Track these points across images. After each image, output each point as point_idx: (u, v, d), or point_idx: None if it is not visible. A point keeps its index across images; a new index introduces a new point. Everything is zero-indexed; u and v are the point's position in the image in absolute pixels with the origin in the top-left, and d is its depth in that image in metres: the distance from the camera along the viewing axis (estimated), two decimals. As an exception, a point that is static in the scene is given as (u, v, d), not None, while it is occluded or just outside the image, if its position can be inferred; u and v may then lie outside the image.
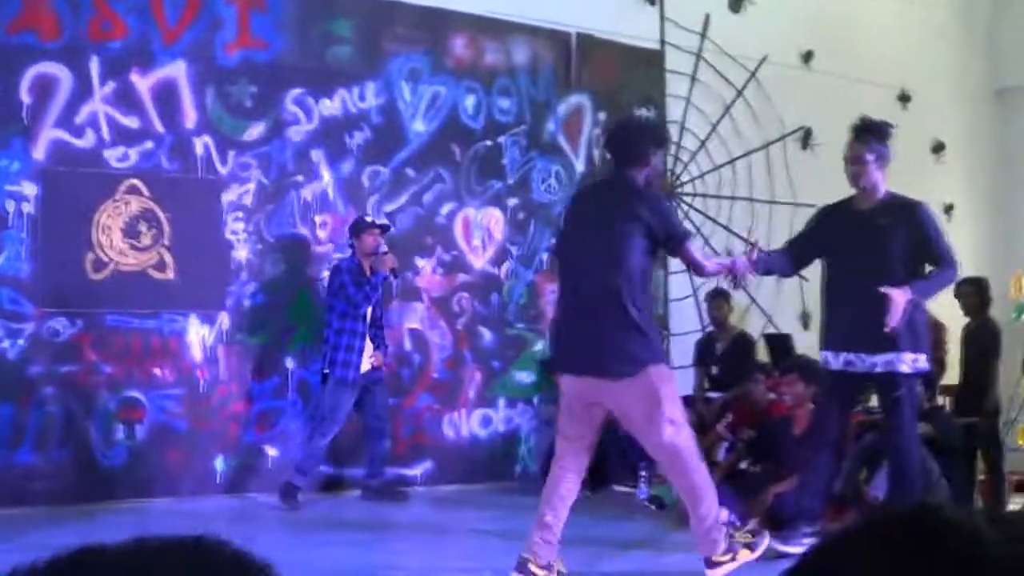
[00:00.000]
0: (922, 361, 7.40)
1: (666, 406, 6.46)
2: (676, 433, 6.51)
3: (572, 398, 6.76)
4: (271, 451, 10.04)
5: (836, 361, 7.58)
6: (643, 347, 6.48)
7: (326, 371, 9.58)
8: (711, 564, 6.71)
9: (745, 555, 6.77)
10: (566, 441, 6.85)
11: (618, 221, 6.48)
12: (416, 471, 10.70)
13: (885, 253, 7.37)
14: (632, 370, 6.44)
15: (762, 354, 11.64)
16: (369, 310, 9.63)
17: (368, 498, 9.81)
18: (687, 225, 11.88)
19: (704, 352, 11.81)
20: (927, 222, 7.45)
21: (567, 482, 6.81)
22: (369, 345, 9.62)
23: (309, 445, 9.66)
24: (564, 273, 6.97)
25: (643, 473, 9.89)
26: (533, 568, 6.56)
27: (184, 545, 1.05)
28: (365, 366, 9.60)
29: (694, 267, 7.03)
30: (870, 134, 7.54)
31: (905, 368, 7.33)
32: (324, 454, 9.79)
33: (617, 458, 10.52)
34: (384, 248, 9.61)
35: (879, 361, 7.41)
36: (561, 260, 7.16)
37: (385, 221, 10.03)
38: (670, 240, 6.59)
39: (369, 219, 9.82)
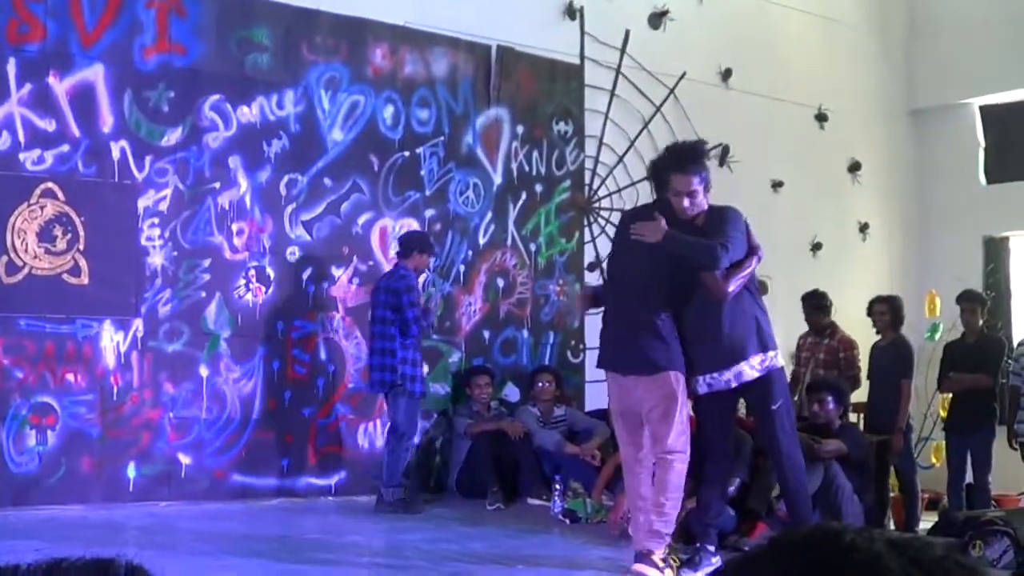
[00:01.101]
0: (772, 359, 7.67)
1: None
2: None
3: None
4: (184, 459, 10.10)
5: (700, 386, 7.77)
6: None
7: (399, 385, 10.03)
8: (642, 557, 7.29)
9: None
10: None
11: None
12: (330, 481, 10.85)
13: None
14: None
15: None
16: None
17: (383, 511, 10.03)
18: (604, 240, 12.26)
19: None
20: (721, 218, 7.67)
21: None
22: None
23: (393, 459, 10.07)
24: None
25: (557, 487, 10.07)
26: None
27: (98, 570, 1.04)
28: None
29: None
30: (692, 163, 7.62)
31: (755, 373, 7.60)
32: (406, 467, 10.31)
33: (531, 471, 10.77)
34: None
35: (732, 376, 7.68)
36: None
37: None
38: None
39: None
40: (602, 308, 8.09)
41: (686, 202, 7.47)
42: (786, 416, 7.76)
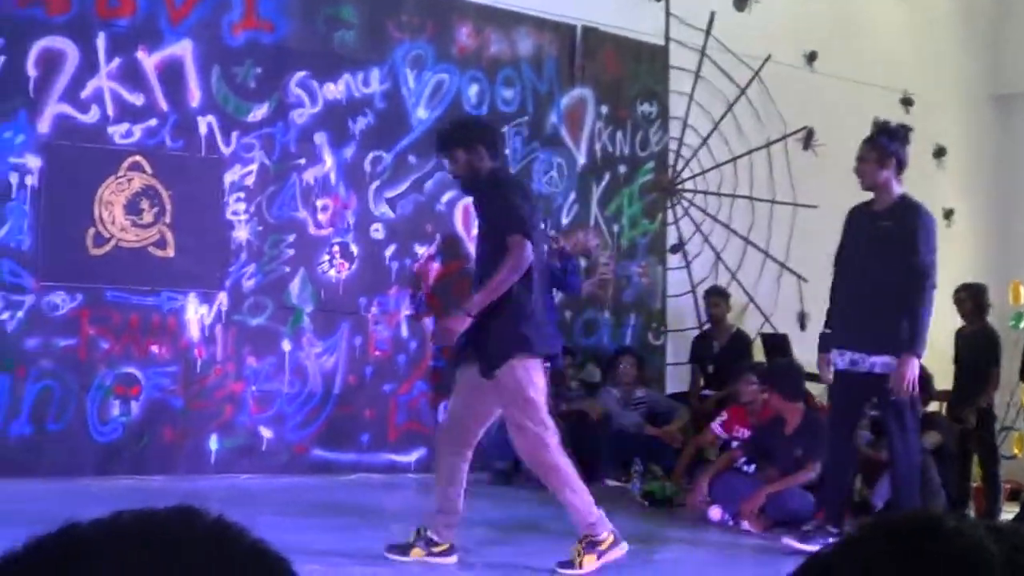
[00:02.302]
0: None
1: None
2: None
3: None
4: (266, 432, 10.02)
5: (840, 361, 7.74)
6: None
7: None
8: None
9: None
10: None
11: None
12: (410, 458, 10.70)
13: (884, 255, 7.53)
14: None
15: (759, 354, 11.70)
16: None
17: (496, 482, 10.13)
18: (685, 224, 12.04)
19: (700, 349, 11.86)
20: (910, 224, 7.59)
21: None
22: None
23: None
24: None
25: (637, 468, 9.89)
26: None
27: (205, 530, 1.02)
28: None
29: None
30: (880, 134, 7.74)
31: (877, 370, 7.56)
32: None
33: (611, 452, 10.57)
34: None
35: (878, 362, 7.57)
36: None
37: None
38: None
39: None
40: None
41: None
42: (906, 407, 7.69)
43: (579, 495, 6.87)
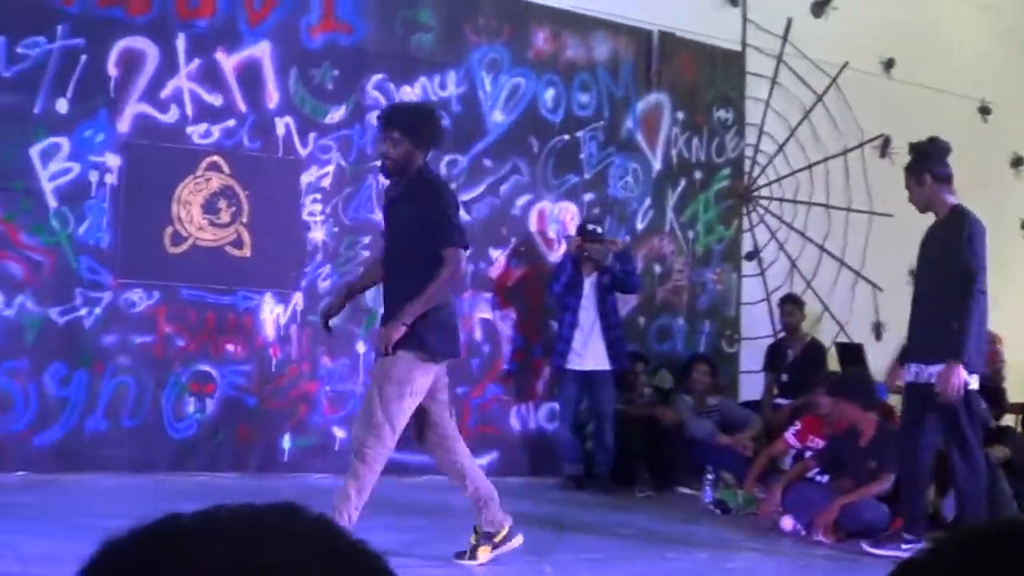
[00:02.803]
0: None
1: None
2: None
3: None
4: (339, 433, 9.92)
5: (908, 373, 7.74)
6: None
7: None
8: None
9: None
10: None
11: None
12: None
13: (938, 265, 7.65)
14: None
15: (833, 363, 11.48)
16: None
17: (566, 487, 10.17)
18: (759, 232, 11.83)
19: (775, 358, 11.66)
20: (957, 234, 7.57)
21: None
22: None
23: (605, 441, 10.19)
24: None
25: (709, 476, 9.70)
26: None
27: (307, 525, 1.00)
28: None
29: None
30: (911, 156, 7.92)
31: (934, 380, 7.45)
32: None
33: (683, 460, 10.39)
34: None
35: (934, 372, 7.49)
36: None
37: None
38: None
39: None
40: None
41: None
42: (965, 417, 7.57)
43: (352, 501, 6.57)
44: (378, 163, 6.94)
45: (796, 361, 11.46)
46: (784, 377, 11.52)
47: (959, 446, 7.49)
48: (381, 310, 9.76)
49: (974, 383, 7.48)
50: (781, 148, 12.25)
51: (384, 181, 7.10)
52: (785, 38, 12.16)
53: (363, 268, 7.03)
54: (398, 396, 6.59)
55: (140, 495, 8.12)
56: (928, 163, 7.76)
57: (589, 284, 10.34)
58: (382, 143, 6.82)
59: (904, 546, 7.39)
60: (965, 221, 7.57)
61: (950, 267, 7.49)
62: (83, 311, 9.08)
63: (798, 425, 9.64)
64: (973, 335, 7.38)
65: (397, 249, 6.83)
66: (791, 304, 11.68)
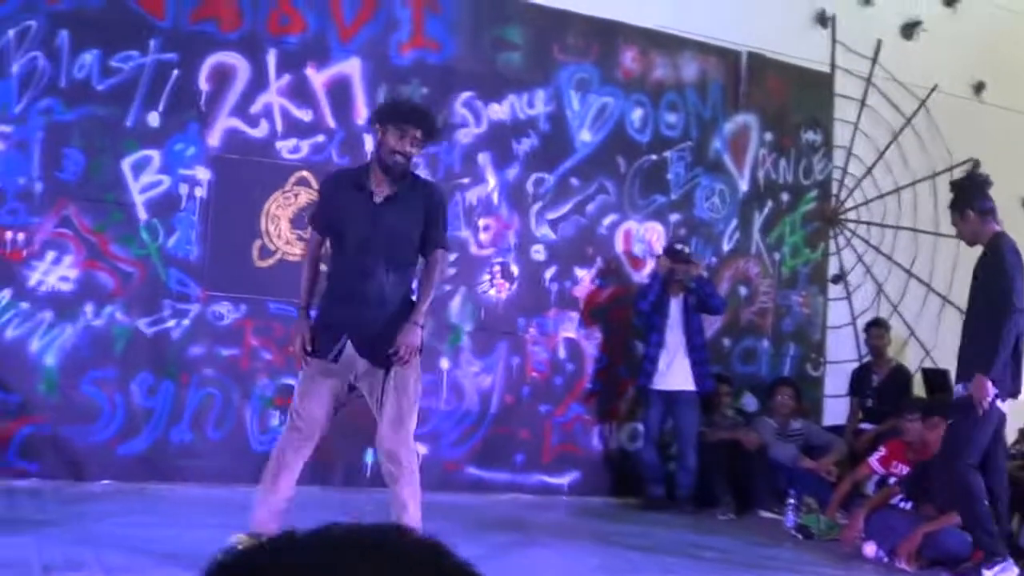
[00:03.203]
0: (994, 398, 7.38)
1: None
2: None
3: None
4: (421, 449, 9.66)
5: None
6: None
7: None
8: None
9: None
10: None
11: None
12: (563, 480, 10.34)
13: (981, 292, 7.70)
14: None
15: (918, 388, 11.14)
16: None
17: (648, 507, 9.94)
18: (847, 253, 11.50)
19: (859, 382, 11.32)
20: (992, 258, 7.61)
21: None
22: None
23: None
24: None
25: (791, 501, 9.39)
26: None
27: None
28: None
29: None
30: (953, 199, 7.95)
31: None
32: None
33: (765, 483, 10.10)
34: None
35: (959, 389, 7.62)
36: None
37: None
38: None
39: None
40: None
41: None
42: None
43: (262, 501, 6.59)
44: (398, 159, 6.27)
45: (881, 386, 11.13)
46: (869, 402, 11.19)
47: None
48: (470, 327, 9.82)
49: (1002, 406, 7.49)
50: (869, 171, 11.92)
51: (380, 178, 6.43)
52: (875, 60, 11.83)
53: (306, 279, 6.64)
54: (416, 403, 6.55)
55: (223, 507, 8.02)
56: (969, 199, 7.75)
57: (675, 305, 10.09)
58: (401, 140, 6.29)
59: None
60: (999, 244, 7.59)
61: (989, 292, 7.49)
62: (171, 323, 8.98)
63: (882, 451, 9.33)
64: (1000, 350, 7.36)
65: (387, 248, 6.40)
66: (877, 328, 11.34)
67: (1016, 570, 7.41)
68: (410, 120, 6.35)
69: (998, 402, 7.44)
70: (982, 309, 7.56)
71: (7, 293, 8.58)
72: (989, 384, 7.32)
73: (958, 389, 7.65)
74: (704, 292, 10.14)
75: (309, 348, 6.44)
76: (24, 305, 8.56)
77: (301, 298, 6.45)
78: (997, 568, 7.38)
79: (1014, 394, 7.58)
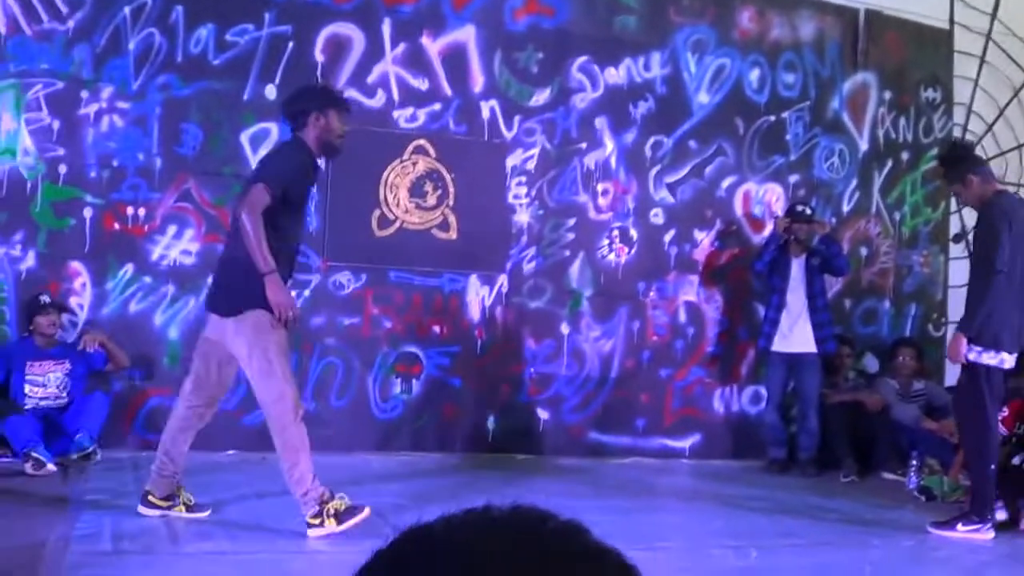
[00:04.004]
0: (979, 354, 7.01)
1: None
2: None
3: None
4: (543, 414, 9.23)
5: None
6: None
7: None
8: (146, 501, 6.10)
9: (179, 511, 6.08)
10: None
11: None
12: (684, 443, 9.68)
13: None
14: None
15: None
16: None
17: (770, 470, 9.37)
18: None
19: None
20: (986, 218, 7.23)
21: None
22: None
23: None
24: None
25: (914, 463, 8.67)
26: None
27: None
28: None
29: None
30: (946, 168, 7.50)
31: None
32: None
33: (887, 445, 9.36)
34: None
35: None
36: None
37: None
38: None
39: None
40: None
41: None
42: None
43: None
44: (342, 140, 6.19)
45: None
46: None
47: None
48: (589, 292, 9.19)
49: (990, 360, 7.02)
50: (990, 128, 10.95)
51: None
52: (994, 16, 10.84)
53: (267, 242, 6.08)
54: None
55: (346, 474, 7.65)
56: (969, 165, 7.34)
57: (797, 266, 9.31)
58: (342, 122, 6.18)
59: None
60: (992, 205, 7.21)
61: (982, 253, 7.19)
62: (292, 293, 8.43)
63: (1005, 411, 8.48)
64: (982, 312, 6.98)
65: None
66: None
67: (992, 533, 6.97)
68: (346, 103, 6.38)
69: (984, 356, 6.99)
70: (977, 270, 7.26)
71: (130, 268, 8.27)
72: (964, 341, 6.96)
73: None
74: (830, 252, 9.36)
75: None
76: (147, 279, 8.23)
77: (270, 262, 5.85)
78: (972, 527, 6.97)
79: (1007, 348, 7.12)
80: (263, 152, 8.02)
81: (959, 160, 7.38)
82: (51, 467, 7.09)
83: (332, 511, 5.86)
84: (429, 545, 0.91)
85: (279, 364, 5.93)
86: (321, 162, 6.50)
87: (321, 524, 5.83)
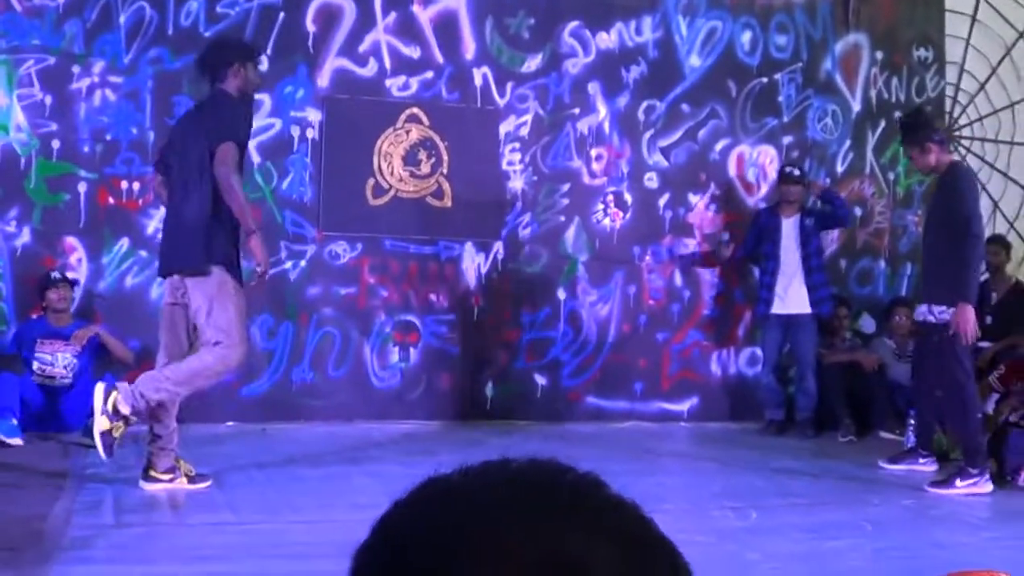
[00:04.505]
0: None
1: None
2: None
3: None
4: (540, 380, 9.20)
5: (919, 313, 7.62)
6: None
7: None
8: (147, 475, 6.08)
9: (182, 483, 6.06)
10: None
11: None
12: (682, 407, 9.65)
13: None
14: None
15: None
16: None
17: (766, 432, 9.27)
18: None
19: (977, 300, 10.35)
20: (952, 185, 7.28)
21: None
22: None
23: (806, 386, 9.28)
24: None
25: (911, 421, 8.59)
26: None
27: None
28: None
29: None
30: (908, 133, 7.49)
31: (932, 319, 7.23)
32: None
33: (885, 404, 9.33)
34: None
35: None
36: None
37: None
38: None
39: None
40: None
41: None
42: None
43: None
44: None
45: (1000, 303, 10.17)
46: (987, 319, 10.21)
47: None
48: (585, 257, 9.14)
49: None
50: (982, 87, 10.87)
51: None
52: (986, -26, 10.75)
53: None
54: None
55: (345, 443, 7.75)
56: (929, 131, 7.37)
57: (789, 226, 9.21)
58: (258, 73, 6.40)
59: None
60: (957, 173, 7.40)
61: (949, 218, 7.18)
62: (288, 264, 8.55)
63: (1002, 368, 8.49)
64: (973, 276, 7.27)
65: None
66: (996, 245, 10.34)
67: (990, 485, 6.99)
68: (259, 56, 6.61)
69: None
70: (943, 233, 7.24)
71: (125, 242, 8.26)
72: (971, 310, 7.05)
73: (922, 310, 7.39)
74: (835, 203, 9.29)
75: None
76: (143, 253, 8.21)
77: (256, 220, 6.07)
78: (969, 481, 6.98)
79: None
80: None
81: (920, 126, 7.42)
82: (16, 441, 7.16)
83: (183, 471, 6.08)
84: (447, 494, 0.90)
85: (237, 324, 5.95)
86: None
87: (171, 481, 6.04)
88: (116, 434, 5.82)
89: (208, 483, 6.15)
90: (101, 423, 5.89)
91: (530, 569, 0.83)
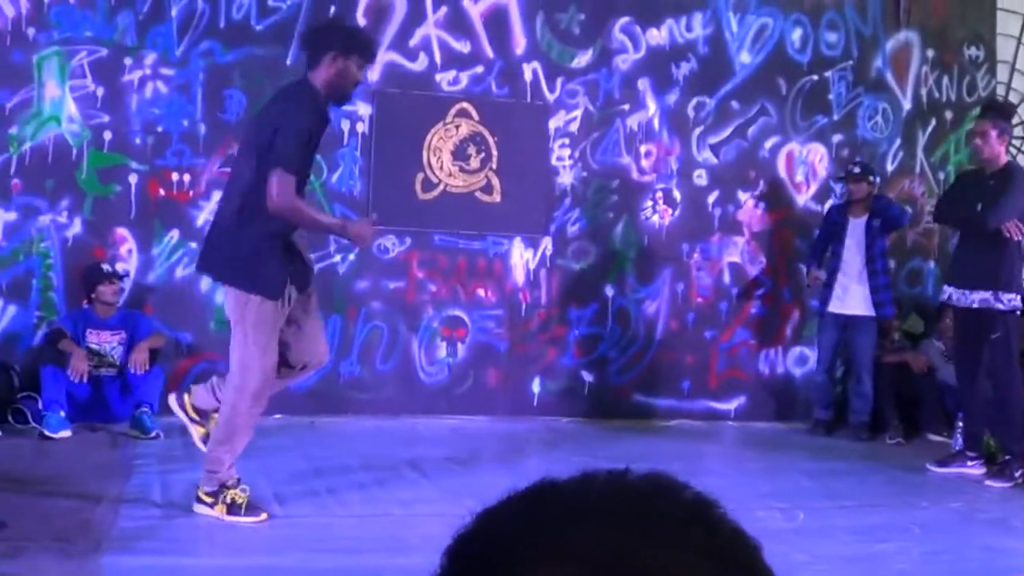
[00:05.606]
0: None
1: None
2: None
3: None
4: (587, 376, 9.05)
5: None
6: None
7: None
8: (198, 499, 5.45)
9: (220, 510, 5.36)
10: None
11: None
12: (730, 406, 9.45)
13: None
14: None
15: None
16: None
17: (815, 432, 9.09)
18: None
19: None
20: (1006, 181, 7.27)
21: None
22: None
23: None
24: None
25: (960, 423, 8.36)
26: None
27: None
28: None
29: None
30: (997, 116, 7.44)
31: (1001, 306, 7.29)
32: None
33: (933, 406, 9.08)
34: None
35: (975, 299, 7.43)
36: None
37: None
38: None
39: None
40: None
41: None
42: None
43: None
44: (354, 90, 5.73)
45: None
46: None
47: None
48: (633, 254, 8.97)
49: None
50: (1034, 86, 10.61)
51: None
52: (1038, -28, 10.49)
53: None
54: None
55: (392, 438, 7.72)
56: (1009, 121, 7.56)
57: (856, 227, 8.96)
58: (360, 72, 5.69)
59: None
60: (1018, 175, 7.37)
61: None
62: (337, 258, 8.44)
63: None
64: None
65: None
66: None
67: None
68: (372, 53, 5.88)
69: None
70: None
71: (175, 233, 8.17)
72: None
73: (988, 298, 7.37)
74: (886, 213, 9.02)
75: None
76: (193, 245, 8.06)
77: (334, 220, 6.13)
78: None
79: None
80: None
81: (1009, 116, 7.54)
82: (65, 434, 7.06)
83: (228, 498, 5.36)
84: (560, 499, 0.88)
85: (268, 338, 5.39)
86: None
87: (212, 506, 5.38)
88: (240, 500, 5.39)
89: (263, 517, 5.52)
90: (196, 432, 5.73)
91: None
